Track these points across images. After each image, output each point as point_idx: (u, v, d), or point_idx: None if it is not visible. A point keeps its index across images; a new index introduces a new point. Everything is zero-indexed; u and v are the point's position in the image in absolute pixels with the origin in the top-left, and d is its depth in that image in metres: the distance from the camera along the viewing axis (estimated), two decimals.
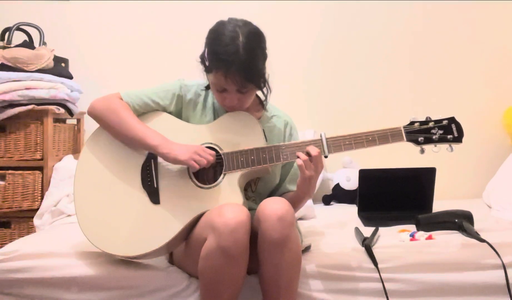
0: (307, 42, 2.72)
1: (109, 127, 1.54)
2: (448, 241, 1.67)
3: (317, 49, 2.72)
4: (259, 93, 1.59)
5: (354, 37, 2.72)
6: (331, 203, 2.60)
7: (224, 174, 1.49)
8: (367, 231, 1.75)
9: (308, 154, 1.44)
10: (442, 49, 2.72)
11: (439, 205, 2.08)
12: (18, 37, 2.37)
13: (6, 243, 1.75)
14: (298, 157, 1.44)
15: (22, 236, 1.95)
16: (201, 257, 1.35)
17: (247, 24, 1.46)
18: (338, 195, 2.59)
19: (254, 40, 1.45)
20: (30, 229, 2.18)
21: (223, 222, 1.30)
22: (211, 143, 1.52)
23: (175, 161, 1.45)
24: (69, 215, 2.07)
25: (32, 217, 2.15)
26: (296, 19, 2.72)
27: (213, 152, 1.46)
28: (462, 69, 2.73)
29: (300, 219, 2.15)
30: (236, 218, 1.31)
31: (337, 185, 2.59)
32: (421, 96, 2.71)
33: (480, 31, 2.72)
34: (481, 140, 2.71)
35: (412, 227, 1.83)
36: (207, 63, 1.47)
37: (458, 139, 1.48)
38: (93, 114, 1.55)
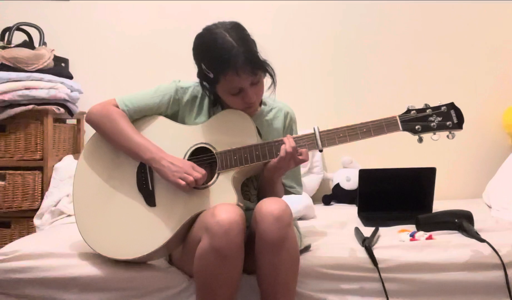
0: (306, 41, 2.72)
1: (106, 136, 1.55)
2: (448, 241, 1.67)
3: (316, 48, 2.72)
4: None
5: (354, 37, 2.72)
6: (331, 203, 2.60)
7: (218, 173, 1.48)
8: (367, 231, 1.75)
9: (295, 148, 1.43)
10: (442, 49, 2.72)
11: (439, 205, 2.08)
12: (18, 37, 2.37)
13: (6, 243, 1.75)
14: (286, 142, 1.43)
15: (22, 236, 1.94)
16: (195, 258, 1.35)
17: (222, 23, 1.48)
18: (338, 195, 2.59)
19: (239, 31, 1.46)
20: (30, 229, 2.18)
21: (216, 222, 1.30)
22: (204, 143, 1.52)
23: (164, 179, 1.47)
24: (69, 215, 2.07)
25: (32, 217, 2.15)
26: (295, 19, 2.72)
27: (204, 171, 1.46)
28: (462, 69, 2.72)
29: (300, 219, 2.15)
30: (229, 218, 1.31)
31: (337, 185, 2.59)
32: (421, 96, 2.68)
33: (480, 31, 2.72)
34: (481, 140, 2.71)
35: (412, 227, 1.83)
36: (211, 75, 1.46)
37: (458, 125, 1.43)
38: (90, 121, 1.57)
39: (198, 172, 1.44)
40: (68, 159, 2.33)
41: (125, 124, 1.52)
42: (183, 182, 1.42)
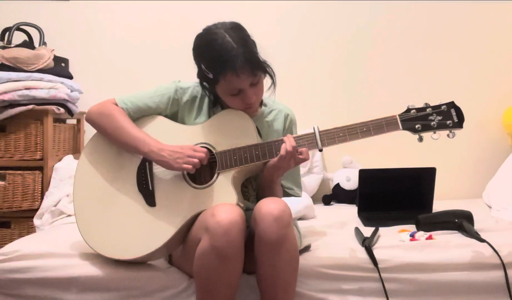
0: (306, 42, 2.72)
1: (105, 133, 1.55)
2: (448, 241, 1.67)
3: (317, 48, 2.72)
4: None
5: (354, 37, 2.73)
6: (331, 203, 2.60)
7: (218, 173, 1.48)
8: (367, 231, 1.75)
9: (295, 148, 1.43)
10: (442, 49, 2.72)
11: (439, 205, 2.08)
12: (18, 37, 2.37)
13: (6, 243, 1.75)
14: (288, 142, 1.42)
15: (22, 236, 1.94)
16: (195, 258, 1.35)
17: (222, 23, 1.48)
18: (338, 195, 2.59)
19: (239, 31, 1.46)
20: (30, 229, 2.18)
21: (216, 222, 1.30)
22: (204, 143, 1.52)
23: (169, 169, 1.46)
24: (69, 215, 2.07)
25: (32, 217, 2.15)
26: (296, 20, 2.72)
27: (205, 150, 1.46)
28: (462, 69, 2.73)
29: (300, 219, 2.15)
30: (229, 218, 1.31)
31: (337, 185, 2.59)
32: (421, 96, 2.68)
33: (481, 31, 2.72)
34: (481, 140, 2.71)
35: (412, 227, 1.83)
36: (211, 76, 1.46)
37: (459, 124, 1.43)
38: (90, 120, 1.57)
39: (199, 152, 1.44)
40: (68, 159, 2.33)
41: (123, 120, 1.52)
42: (189, 166, 1.42)
